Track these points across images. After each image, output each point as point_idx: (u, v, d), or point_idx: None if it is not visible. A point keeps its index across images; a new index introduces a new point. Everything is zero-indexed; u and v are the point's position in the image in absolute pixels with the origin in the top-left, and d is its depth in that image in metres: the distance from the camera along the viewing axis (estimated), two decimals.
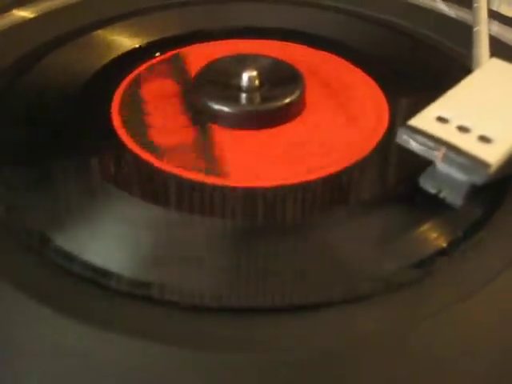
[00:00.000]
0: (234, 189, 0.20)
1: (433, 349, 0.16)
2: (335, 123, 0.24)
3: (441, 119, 0.20)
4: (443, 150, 0.19)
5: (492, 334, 0.17)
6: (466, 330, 0.17)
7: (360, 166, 0.21)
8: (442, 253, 0.19)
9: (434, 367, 0.16)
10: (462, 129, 0.19)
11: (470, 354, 0.16)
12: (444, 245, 0.19)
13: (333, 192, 0.21)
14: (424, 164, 0.20)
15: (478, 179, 0.18)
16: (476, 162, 0.18)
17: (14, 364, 0.16)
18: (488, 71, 0.23)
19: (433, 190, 0.20)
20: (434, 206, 0.20)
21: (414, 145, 0.19)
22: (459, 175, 0.19)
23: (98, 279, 0.17)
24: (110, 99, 0.24)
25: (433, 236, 0.19)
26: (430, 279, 0.18)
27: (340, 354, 0.16)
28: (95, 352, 0.16)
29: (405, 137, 0.19)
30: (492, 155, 0.18)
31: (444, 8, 0.32)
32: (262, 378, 0.15)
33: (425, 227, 0.19)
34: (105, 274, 0.17)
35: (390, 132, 0.23)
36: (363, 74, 0.27)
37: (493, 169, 0.18)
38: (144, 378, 0.15)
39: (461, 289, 0.17)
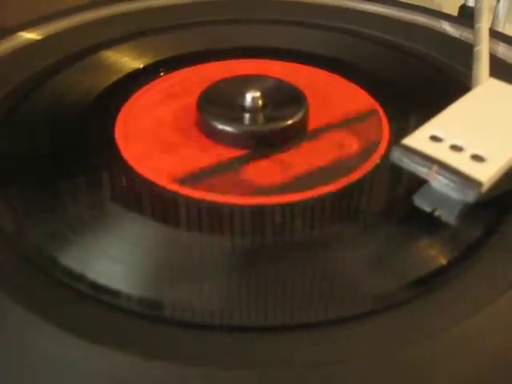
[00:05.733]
0: (238, 207, 0.21)
1: (435, 365, 0.16)
2: (334, 143, 0.24)
3: (434, 138, 0.20)
4: (435, 168, 0.19)
5: (490, 352, 0.17)
6: (465, 347, 0.17)
7: (359, 185, 0.22)
8: (440, 271, 0.19)
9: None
10: (455, 148, 0.19)
11: (471, 369, 0.16)
12: (443, 263, 0.19)
13: (330, 212, 0.21)
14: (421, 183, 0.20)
15: (470, 198, 0.18)
16: (468, 181, 0.18)
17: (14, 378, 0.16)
18: (484, 91, 0.23)
19: (428, 209, 0.20)
20: (431, 225, 0.20)
21: (407, 163, 0.19)
22: (452, 193, 0.19)
23: (98, 296, 0.18)
24: (114, 119, 0.25)
25: (431, 255, 0.19)
26: (428, 298, 0.18)
27: (340, 371, 0.16)
28: (104, 371, 0.16)
29: (398, 155, 0.20)
30: (484, 174, 0.18)
31: (448, 28, 0.33)
32: None
33: (422, 246, 0.19)
34: (107, 291, 0.18)
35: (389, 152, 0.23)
36: (365, 93, 0.27)
37: (485, 187, 0.18)
38: None
39: (459, 308, 0.17)
